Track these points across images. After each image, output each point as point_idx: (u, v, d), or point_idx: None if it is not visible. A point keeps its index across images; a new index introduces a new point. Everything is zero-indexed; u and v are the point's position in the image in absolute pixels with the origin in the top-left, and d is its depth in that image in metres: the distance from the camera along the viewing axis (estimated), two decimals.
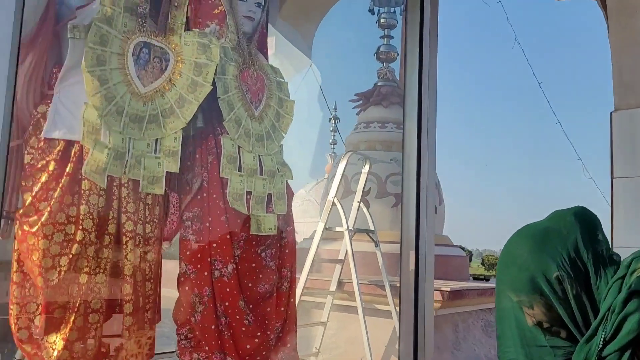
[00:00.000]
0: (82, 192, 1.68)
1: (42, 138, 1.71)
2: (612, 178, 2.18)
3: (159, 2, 1.95)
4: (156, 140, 1.85)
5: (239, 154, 2.02)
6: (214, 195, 1.99)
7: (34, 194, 1.67)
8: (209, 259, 1.96)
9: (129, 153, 1.78)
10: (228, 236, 1.99)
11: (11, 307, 1.65)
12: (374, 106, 6.70)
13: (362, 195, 5.04)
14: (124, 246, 1.76)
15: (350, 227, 4.99)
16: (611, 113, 2.25)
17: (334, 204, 4.66)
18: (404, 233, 2.20)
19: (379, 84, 6.92)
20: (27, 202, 1.66)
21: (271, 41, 3.44)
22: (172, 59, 1.89)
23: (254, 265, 2.05)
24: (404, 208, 2.22)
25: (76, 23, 1.73)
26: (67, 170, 1.67)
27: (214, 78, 1.94)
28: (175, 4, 1.99)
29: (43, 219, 1.64)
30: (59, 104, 1.74)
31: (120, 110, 1.77)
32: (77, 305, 1.66)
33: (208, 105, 1.97)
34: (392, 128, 6.50)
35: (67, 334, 1.63)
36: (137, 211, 1.81)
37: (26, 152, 1.72)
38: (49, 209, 1.64)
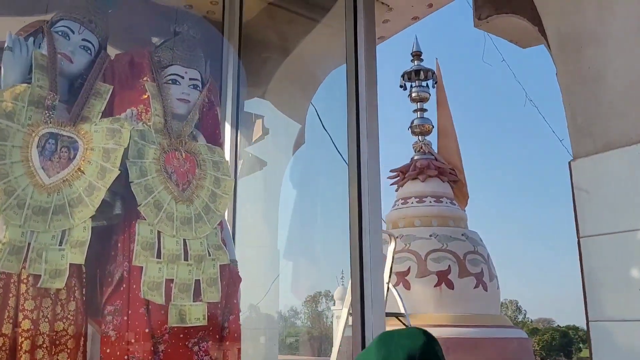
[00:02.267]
0: None
1: None
2: (578, 238, 1.83)
3: (77, 92, 1.95)
4: (63, 231, 1.77)
5: (159, 240, 1.90)
6: (134, 286, 1.86)
7: None
8: (126, 357, 1.80)
9: (29, 247, 1.70)
10: (147, 330, 1.83)
11: None
12: (411, 181, 6.48)
13: (390, 276, 4.72)
14: (19, 347, 1.64)
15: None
16: (569, 162, 1.94)
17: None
18: None
19: (415, 157, 6.72)
20: None
21: (259, 123, 3.42)
22: (81, 147, 1.85)
23: None
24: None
25: None
26: None
27: (126, 163, 1.88)
28: (96, 94, 1.98)
29: None
30: None
31: (22, 204, 1.72)
32: None
33: (127, 191, 1.90)
34: (431, 202, 6.20)
35: None
36: (38, 308, 1.70)
37: None
38: None
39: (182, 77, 2.16)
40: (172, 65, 2.16)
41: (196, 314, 1.89)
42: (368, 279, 2.03)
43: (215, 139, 2.31)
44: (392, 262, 4.72)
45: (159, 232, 1.90)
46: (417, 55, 7.05)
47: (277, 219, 3.66)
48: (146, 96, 2.08)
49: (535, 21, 2.39)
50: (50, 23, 2.00)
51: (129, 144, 1.89)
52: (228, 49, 3.00)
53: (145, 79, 2.10)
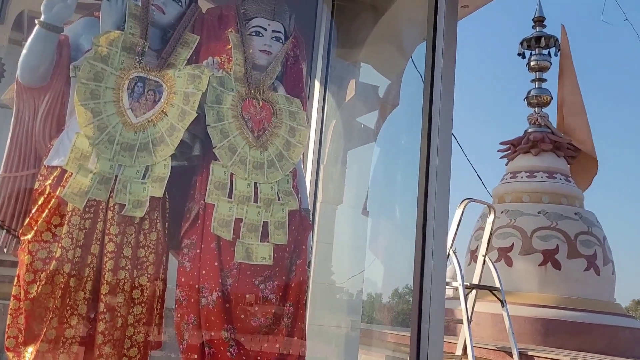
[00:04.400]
0: (66, 213, 1.82)
1: (46, 166, 1.92)
2: None
3: (166, 40, 2.10)
4: (146, 167, 1.93)
5: (231, 181, 2.01)
6: (207, 222, 1.99)
7: (31, 215, 1.86)
8: (197, 286, 1.94)
9: (116, 179, 1.88)
10: (216, 263, 1.95)
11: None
12: (522, 154, 6.14)
13: (487, 248, 4.56)
14: (104, 266, 1.84)
15: (474, 283, 4.54)
16: None
17: (448, 255, 4.30)
18: None
19: (529, 130, 6.35)
20: (26, 223, 1.86)
21: (351, 84, 3.43)
22: (165, 91, 2.00)
23: (247, 296, 1.98)
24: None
25: (77, 64, 1.95)
26: (57, 193, 1.83)
27: (203, 106, 2.00)
28: (183, 43, 2.12)
29: (29, 236, 1.81)
30: (65, 136, 1.95)
31: (112, 139, 1.90)
32: (50, 318, 1.76)
33: (206, 134, 2.02)
34: (543, 177, 5.85)
35: (39, 345, 1.74)
36: (122, 234, 1.89)
37: (37, 179, 1.94)
38: (36, 227, 1.81)
39: (265, 29, 2.23)
40: (256, 17, 2.24)
41: (262, 253, 1.98)
42: (429, 245, 1.96)
43: (297, 92, 2.37)
44: (491, 234, 4.55)
45: (231, 174, 2.01)
46: (539, 20, 6.59)
47: (368, 182, 3.67)
48: (229, 46, 2.18)
49: None
50: None
51: (207, 89, 2.00)
52: (322, 8, 3.03)
53: (230, 30, 2.20)
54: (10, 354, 1.80)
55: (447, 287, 4.49)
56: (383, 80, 3.70)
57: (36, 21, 1.93)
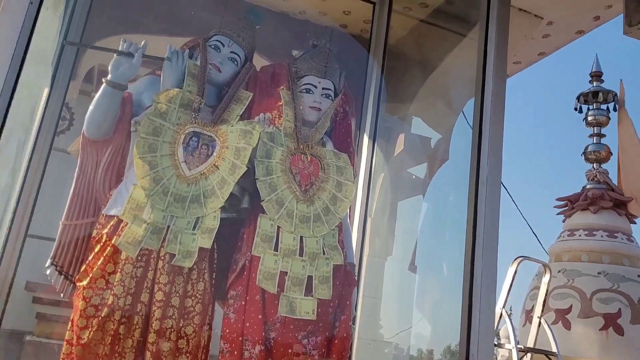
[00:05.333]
0: (120, 261, 1.90)
1: (104, 215, 2.02)
2: None
3: (221, 96, 2.21)
4: (197, 218, 2.00)
5: (278, 234, 2.04)
6: (253, 275, 2.02)
7: (87, 262, 1.94)
8: (240, 338, 1.96)
9: (168, 229, 1.96)
10: (260, 316, 1.97)
11: None
12: (580, 212, 5.92)
13: (542, 310, 4.38)
14: (152, 314, 1.89)
15: (529, 347, 4.34)
16: None
17: (501, 315, 4.15)
18: None
19: (588, 186, 6.14)
20: (82, 269, 1.94)
21: (400, 138, 3.46)
22: (217, 146, 2.08)
23: (290, 351, 1.97)
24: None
25: (138, 119, 2.07)
26: (113, 242, 1.92)
27: (253, 160, 2.06)
28: (237, 99, 2.22)
29: (85, 282, 1.88)
30: (123, 187, 2.05)
31: (166, 191, 1.99)
32: None
33: (254, 188, 2.08)
34: (603, 236, 5.60)
35: None
36: (171, 283, 1.94)
37: (95, 227, 2.04)
38: (91, 274, 1.89)
39: (316, 87, 2.30)
40: (307, 75, 2.32)
41: (306, 308, 1.99)
42: (477, 304, 1.91)
43: (345, 147, 2.41)
44: (547, 295, 4.37)
45: (278, 227, 2.05)
46: (596, 75, 6.47)
47: (416, 236, 3.63)
48: (281, 103, 2.26)
49: None
50: (206, 38, 2.30)
51: (257, 144, 2.07)
52: (372, 64, 3.11)
53: (282, 87, 2.29)
54: None
55: (500, 348, 4.32)
56: (433, 133, 3.71)
57: (103, 80, 2.07)
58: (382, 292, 3.52)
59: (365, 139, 2.96)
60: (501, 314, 4.08)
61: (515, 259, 4.16)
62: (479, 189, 2.09)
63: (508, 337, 4.11)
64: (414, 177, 3.77)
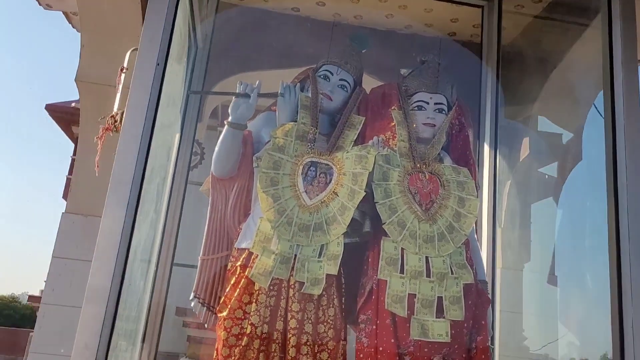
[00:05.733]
0: (254, 292, 2.00)
1: (236, 248, 2.14)
2: None
3: (334, 123, 2.26)
4: (321, 246, 2.05)
5: (402, 256, 2.02)
6: (381, 298, 2.02)
7: (225, 293, 2.07)
8: None
9: (295, 258, 2.03)
10: (393, 340, 1.96)
11: None
12: None
13: None
14: (287, 342, 1.96)
15: None
16: None
17: None
18: None
19: None
20: (222, 301, 2.08)
21: (525, 142, 3.30)
22: (335, 173, 2.13)
23: None
24: None
25: (259, 155, 2.18)
26: (246, 273, 2.03)
27: (371, 185, 2.07)
28: (350, 125, 2.25)
29: (224, 313, 2.01)
30: (251, 220, 2.17)
31: (290, 222, 2.06)
32: None
33: (374, 211, 2.09)
34: None
35: None
36: (303, 310, 2.00)
37: (229, 260, 2.17)
38: (230, 305, 2.01)
39: (427, 103, 2.27)
40: (418, 92, 2.30)
41: (439, 330, 1.94)
42: (628, 309, 1.74)
43: (465, 160, 2.34)
44: None
45: (402, 249, 2.03)
46: None
47: (553, 245, 3.40)
48: (393, 124, 2.26)
49: None
50: (315, 69, 2.37)
51: (373, 168, 2.08)
52: (486, 70, 3.00)
53: (393, 107, 2.29)
54: None
55: None
56: (562, 131, 3.48)
57: (225, 122, 2.21)
58: (522, 305, 3.33)
59: (486, 149, 2.85)
60: None
61: None
62: (618, 192, 1.92)
63: None
64: (546, 176, 3.55)
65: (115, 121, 2.07)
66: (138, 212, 1.82)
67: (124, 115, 1.91)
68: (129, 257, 1.75)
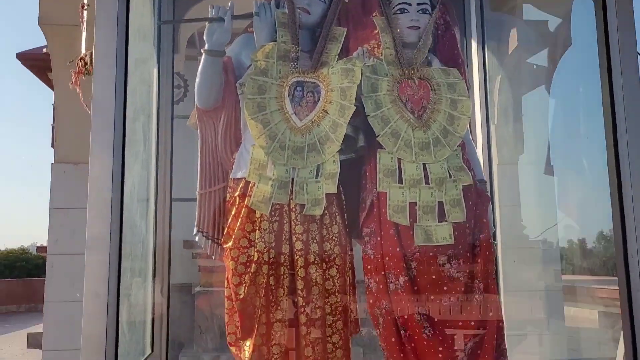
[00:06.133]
0: (256, 220, 2.00)
1: (232, 179, 2.12)
2: None
3: (315, 40, 2.16)
4: (317, 166, 2.03)
5: (399, 166, 2.01)
6: (382, 210, 2.03)
7: (227, 224, 2.08)
8: (383, 272, 2.00)
9: (293, 181, 2.01)
10: (398, 249, 1.99)
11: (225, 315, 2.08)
12: None
13: None
14: (296, 263, 1.99)
15: None
16: None
17: None
18: None
19: None
20: (225, 232, 2.08)
21: (512, 34, 3.21)
22: (322, 90, 2.06)
23: (434, 277, 1.98)
24: None
25: (242, 81, 2.11)
26: (246, 202, 2.02)
27: (360, 98, 2.02)
28: (332, 38, 2.16)
29: (230, 244, 2.02)
30: (243, 149, 2.13)
31: (283, 145, 2.03)
32: (259, 315, 1.96)
33: (367, 124, 2.05)
34: None
35: (254, 339, 1.95)
36: (307, 231, 2.01)
37: (227, 191, 2.16)
38: (234, 235, 2.02)
39: (410, 4, 2.17)
40: None
41: (442, 234, 1.97)
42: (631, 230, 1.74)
43: (454, 60, 2.28)
44: None
45: (399, 159, 2.01)
46: None
47: (547, 134, 3.40)
48: (376, 31, 2.16)
49: None
50: None
51: (361, 80, 2.02)
52: None
53: (374, 14, 2.19)
54: (232, 348, 2.05)
55: None
56: (549, 17, 3.37)
57: (202, 50, 2.12)
58: (520, 198, 3.38)
59: (474, 45, 2.77)
60: None
61: None
62: (612, 72, 1.87)
63: None
64: (535, 66, 3.48)
65: (86, 63, 1.97)
66: (126, 155, 1.77)
67: (93, 56, 1.81)
68: (124, 200, 1.72)
